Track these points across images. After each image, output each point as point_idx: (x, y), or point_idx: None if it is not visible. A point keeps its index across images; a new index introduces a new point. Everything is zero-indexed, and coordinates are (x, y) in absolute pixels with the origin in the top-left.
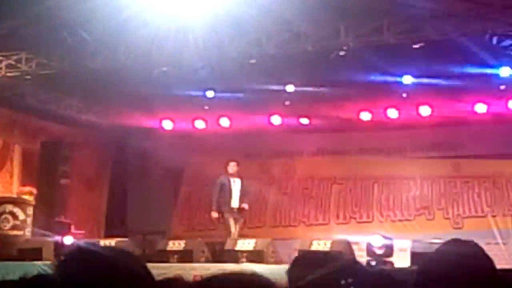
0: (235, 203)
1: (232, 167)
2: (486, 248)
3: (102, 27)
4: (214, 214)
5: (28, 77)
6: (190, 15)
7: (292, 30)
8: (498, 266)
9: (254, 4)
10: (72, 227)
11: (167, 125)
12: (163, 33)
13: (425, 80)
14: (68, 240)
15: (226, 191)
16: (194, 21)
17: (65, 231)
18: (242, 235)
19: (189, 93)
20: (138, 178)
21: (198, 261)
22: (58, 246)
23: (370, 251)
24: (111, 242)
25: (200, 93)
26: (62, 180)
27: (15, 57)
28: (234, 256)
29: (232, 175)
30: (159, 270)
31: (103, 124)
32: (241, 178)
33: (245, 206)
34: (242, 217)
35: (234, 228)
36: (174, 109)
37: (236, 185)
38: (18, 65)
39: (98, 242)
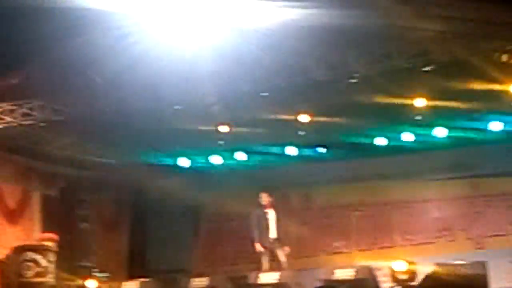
0: (273, 234)
1: (264, 198)
2: (510, 267)
3: (112, 68)
4: (258, 247)
5: (43, 124)
6: (197, 52)
7: (301, 62)
8: None
9: (262, 39)
10: (95, 270)
11: (184, 162)
12: (172, 71)
13: (438, 102)
14: (91, 284)
15: (262, 223)
16: (202, 58)
17: (88, 275)
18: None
19: (203, 129)
20: (158, 217)
21: None
22: None
23: (393, 277)
24: (135, 284)
25: (214, 128)
26: (82, 224)
27: (28, 105)
28: None
29: (265, 206)
30: None
31: (120, 165)
32: (275, 209)
33: (287, 249)
34: (281, 245)
35: (266, 265)
36: (190, 146)
37: (271, 216)
38: (32, 113)
39: (121, 285)
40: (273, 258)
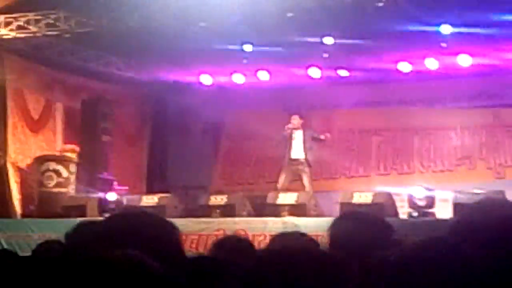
0: (296, 154)
1: (293, 120)
2: None
3: None
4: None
5: (67, 35)
6: None
7: None
8: None
9: None
10: (115, 183)
11: (206, 80)
12: None
13: (464, 29)
14: (111, 196)
15: (286, 143)
16: None
17: (108, 187)
18: (288, 189)
19: (227, 48)
20: (178, 133)
21: (240, 215)
22: (102, 202)
23: (411, 203)
24: (154, 197)
25: (238, 47)
26: (103, 137)
27: (53, 16)
28: (276, 210)
29: (295, 128)
30: (201, 224)
31: (143, 80)
32: (304, 130)
33: (310, 155)
34: (308, 167)
35: (282, 182)
36: (212, 64)
37: (297, 136)
38: (57, 23)
39: (141, 198)
40: (296, 178)
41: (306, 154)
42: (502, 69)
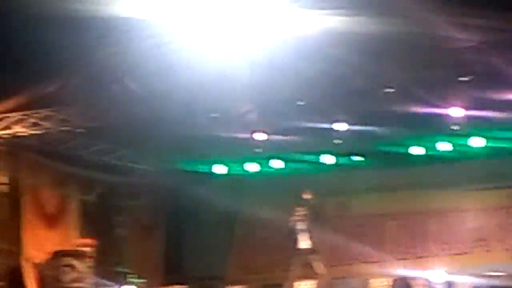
0: (303, 244)
1: (296, 212)
2: None
3: (148, 76)
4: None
5: (80, 130)
6: (234, 59)
7: (338, 70)
8: None
9: (299, 46)
10: (131, 275)
11: (219, 169)
12: (208, 78)
13: (474, 112)
14: None
15: (294, 234)
16: (239, 65)
17: (125, 280)
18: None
19: (239, 136)
20: (193, 223)
21: None
22: None
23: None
24: None
25: (250, 135)
26: (119, 230)
27: (66, 112)
28: None
29: (299, 219)
30: None
31: (156, 171)
32: (309, 219)
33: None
34: (317, 254)
35: (293, 273)
36: (225, 153)
37: (302, 226)
38: (69, 119)
39: None
40: (307, 267)
41: (313, 242)
42: None
